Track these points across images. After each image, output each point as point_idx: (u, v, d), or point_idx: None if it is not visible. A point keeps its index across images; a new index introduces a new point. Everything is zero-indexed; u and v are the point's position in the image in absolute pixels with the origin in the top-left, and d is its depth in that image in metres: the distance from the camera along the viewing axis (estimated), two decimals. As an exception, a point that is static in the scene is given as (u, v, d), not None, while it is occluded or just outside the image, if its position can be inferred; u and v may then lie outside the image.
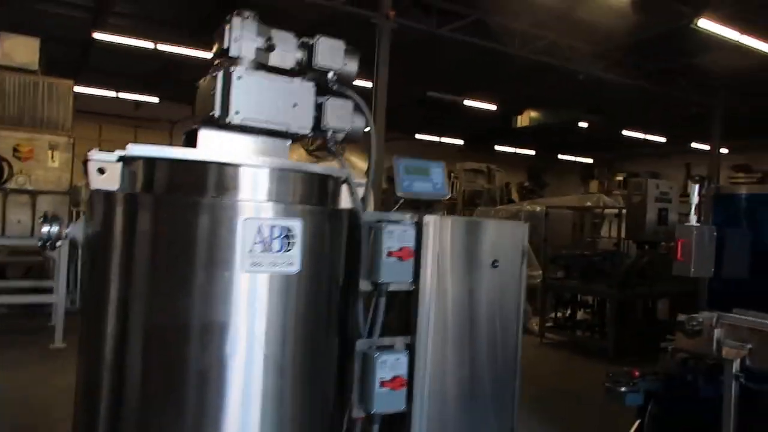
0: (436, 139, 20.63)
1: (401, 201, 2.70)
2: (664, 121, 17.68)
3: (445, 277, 2.49)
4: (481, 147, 21.77)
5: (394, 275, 2.36)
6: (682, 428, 4.20)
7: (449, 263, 2.51)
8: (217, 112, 2.25)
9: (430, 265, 2.46)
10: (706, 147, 18.16)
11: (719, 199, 4.90)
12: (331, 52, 2.47)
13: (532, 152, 23.31)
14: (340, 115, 2.49)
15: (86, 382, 2.27)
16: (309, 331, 2.23)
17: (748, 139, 17.78)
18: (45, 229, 2.23)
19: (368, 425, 2.47)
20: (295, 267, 2.12)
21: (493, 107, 16.48)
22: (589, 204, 9.57)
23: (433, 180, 2.75)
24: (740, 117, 15.38)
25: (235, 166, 2.15)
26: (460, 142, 21.60)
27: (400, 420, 2.49)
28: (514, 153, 23.00)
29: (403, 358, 2.39)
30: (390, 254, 2.34)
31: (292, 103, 2.36)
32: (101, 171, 2.13)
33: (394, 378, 2.35)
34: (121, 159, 2.15)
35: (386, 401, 2.35)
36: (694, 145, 19.45)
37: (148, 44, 12.73)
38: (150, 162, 2.17)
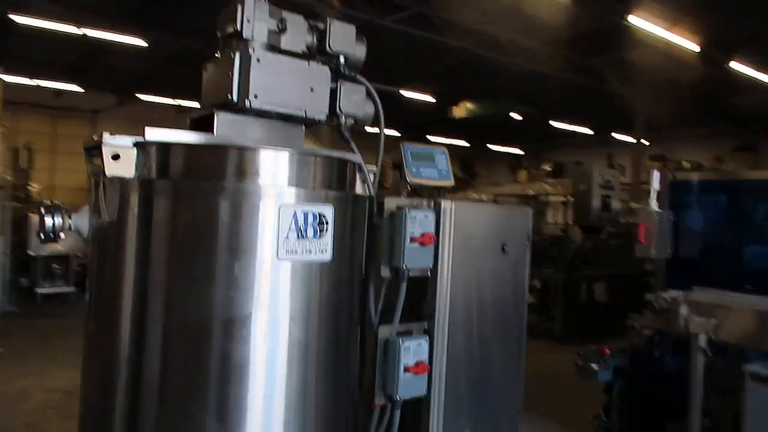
0: (371, 129, 20.63)
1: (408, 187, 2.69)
2: (591, 112, 18.50)
3: (460, 262, 2.51)
4: (415, 138, 22.04)
5: (416, 261, 2.35)
6: (648, 402, 4.45)
7: (463, 248, 2.53)
8: (234, 96, 2.16)
9: (447, 251, 2.47)
10: (626, 138, 19.25)
11: (674, 185, 5.21)
12: (343, 37, 2.43)
13: (465, 143, 23.79)
14: (354, 101, 2.46)
15: (98, 380, 2.14)
16: (334, 320, 2.19)
17: (662, 130, 18.87)
18: (47, 220, 2.07)
19: (384, 412, 2.47)
20: (327, 254, 2.08)
21: (430, 99, 16.67)
22: (532, 192, 9.92)
23: (438, 166, 2.76)
24: (658, 110, 16.33)
25: (259, 150, 2.08)
26: (396, 132, 21.72)
27: (413, 405, 2.49)
28: (448, 144, 23.42)
29: (424, 344, 2.39)
30: (413, 240, 2.33)
31: (308, 87, 2.30)
32: (116, 157, 2.00)
33: (418, 363, 2.35)
34: (136, 144, 2.03)
35: (410, 387, 2.35)
36: (615, 136, 20.46)
37: (73, 29, 12.00)
38: (167, 147, 2.06)
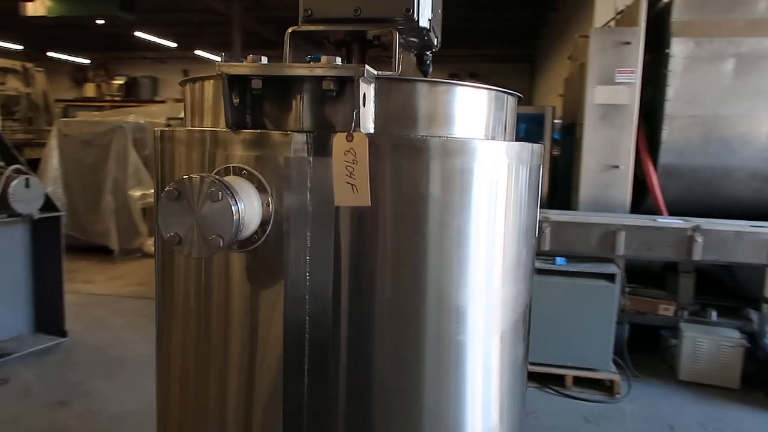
0: None
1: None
2: (178, 25, 17.60)
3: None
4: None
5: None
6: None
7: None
8: (415, 11, 1.57)
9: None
10: (207, 54, 19.29)
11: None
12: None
13: (19, 47, 19.37)
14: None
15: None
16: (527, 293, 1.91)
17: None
18: (234, 208, 1.14)
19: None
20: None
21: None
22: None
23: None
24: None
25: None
26: None
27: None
28: (-3, 47, 18.63)
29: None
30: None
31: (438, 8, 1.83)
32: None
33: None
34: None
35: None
36: (198, 52, 20.08)
37: None
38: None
